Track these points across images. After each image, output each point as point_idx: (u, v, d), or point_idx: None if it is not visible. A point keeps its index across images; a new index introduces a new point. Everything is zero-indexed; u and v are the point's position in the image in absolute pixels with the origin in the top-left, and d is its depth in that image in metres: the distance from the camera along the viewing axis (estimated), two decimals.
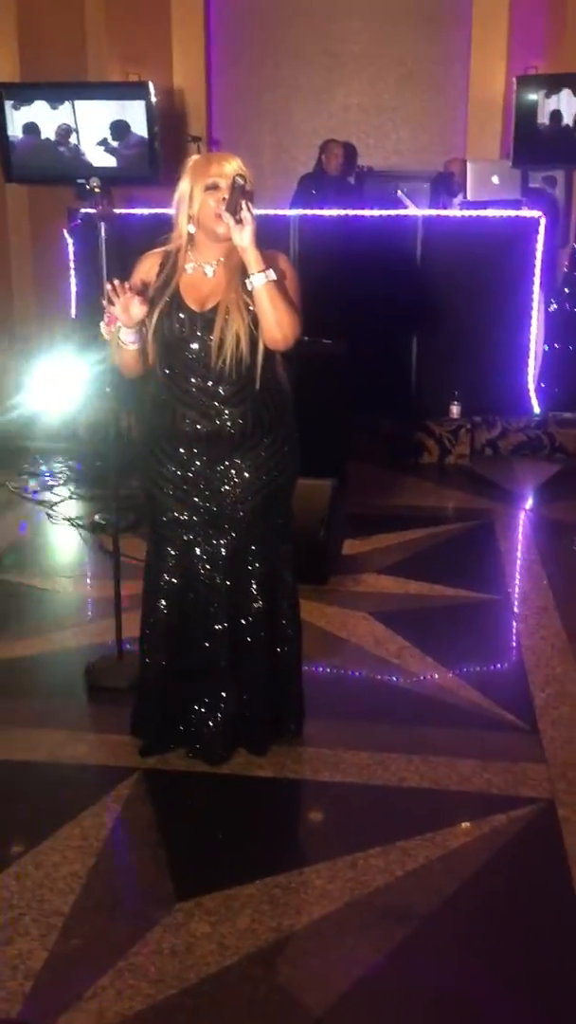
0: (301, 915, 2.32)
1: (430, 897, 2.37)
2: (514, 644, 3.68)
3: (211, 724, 2.86)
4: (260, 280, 2.54)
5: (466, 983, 2.15)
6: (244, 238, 2.52)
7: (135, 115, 6.92)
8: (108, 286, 2.58)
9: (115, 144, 6.96)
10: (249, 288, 2.58)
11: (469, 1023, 2.07)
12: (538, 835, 2.61)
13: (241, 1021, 2.03)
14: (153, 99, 6.88)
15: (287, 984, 2.12)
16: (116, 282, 2.58)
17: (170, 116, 7.72)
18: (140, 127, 6.94)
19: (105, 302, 2.60)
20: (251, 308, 2.61)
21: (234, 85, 8.25)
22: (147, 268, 2.71)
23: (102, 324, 2.67)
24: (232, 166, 2.56)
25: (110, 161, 6.98)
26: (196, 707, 2.88)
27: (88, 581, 4.26)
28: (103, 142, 6.96)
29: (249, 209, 2.50)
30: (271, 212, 6.41)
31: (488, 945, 2.26)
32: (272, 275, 2.55)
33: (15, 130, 6.90)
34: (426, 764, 2.90)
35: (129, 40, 7.86)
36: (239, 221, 2.50)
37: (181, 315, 2.65)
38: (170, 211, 2.68)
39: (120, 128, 6.94)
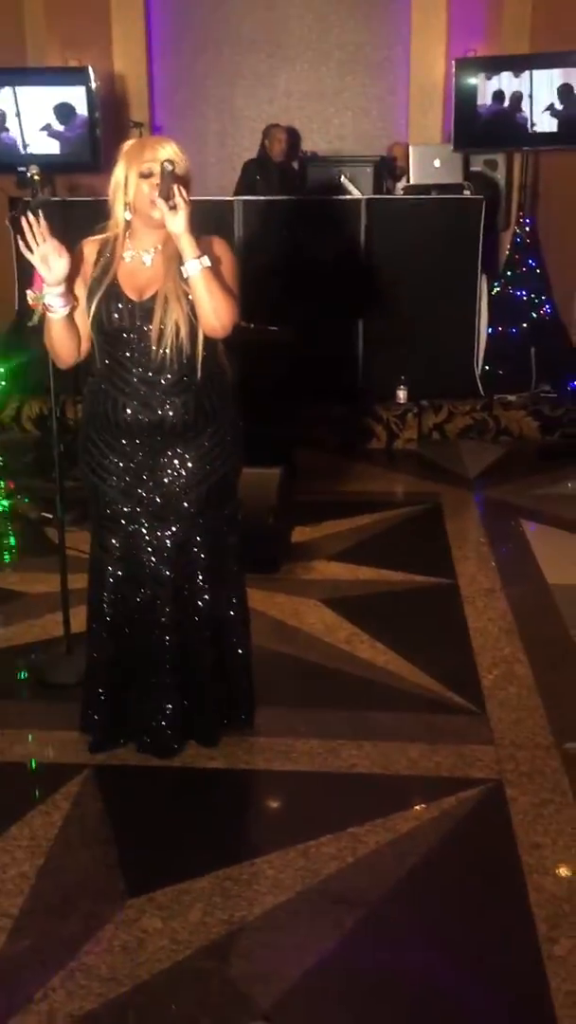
0: (253, 906, 2.31)
1: (381, 882, 2.38)
2: (462, 627, 3.70)
3: (160, 717, 2.84)
4: (194, 267, 2.50)
5: (416, 966, 2.16)
6: (177, 224, 2.47)
7: (76, 101, 6.82)
8: (23, 221, 2.44)
9: (60, 128, 6.84)
10: (185, 276, 2.54)
11: (420, 1006, 2.08)
12: (487, 816, 2.63)
13: (192, 1016, 2.02)
14: (93, 85, 6.78)
15: (238, 977, 2.11)
16: (31, 216, 2.45)
17: (111, 102, 7.60)
18: (81, 113, 6.84)
19: (22, 246, 2.47)
20: (190, 296, 2.57)
21: (176, 71, 8.15)
22: (85, 256, 2.65)
23: (28, 291, 2.59)
24: (166, 151, 2.52)
25: (53, 147, 6.86)
26: (145, 701, 2.85)
27: (34, 576, 4.20)
28: (46, 127, 6.84)
29: (182, 194, 2.46)
30: (215, 198, 6.37)
31: (439, 927, 2.27)
32: (206, 262, 2.51)
33: None
34: (376, 749, 2.91)
35: (68, 25, 7.72)
36: (172, 207, 2.46)
37: (120, 305, 2.61)
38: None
39: (65, 111, 6.82)
